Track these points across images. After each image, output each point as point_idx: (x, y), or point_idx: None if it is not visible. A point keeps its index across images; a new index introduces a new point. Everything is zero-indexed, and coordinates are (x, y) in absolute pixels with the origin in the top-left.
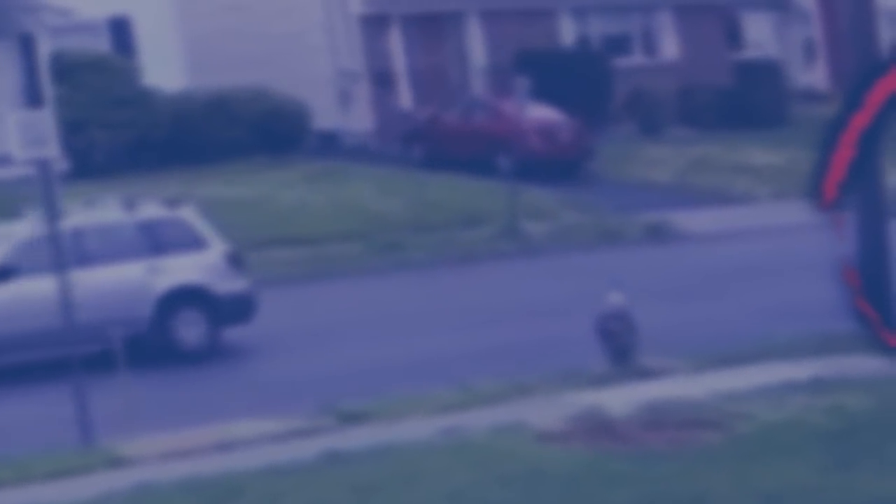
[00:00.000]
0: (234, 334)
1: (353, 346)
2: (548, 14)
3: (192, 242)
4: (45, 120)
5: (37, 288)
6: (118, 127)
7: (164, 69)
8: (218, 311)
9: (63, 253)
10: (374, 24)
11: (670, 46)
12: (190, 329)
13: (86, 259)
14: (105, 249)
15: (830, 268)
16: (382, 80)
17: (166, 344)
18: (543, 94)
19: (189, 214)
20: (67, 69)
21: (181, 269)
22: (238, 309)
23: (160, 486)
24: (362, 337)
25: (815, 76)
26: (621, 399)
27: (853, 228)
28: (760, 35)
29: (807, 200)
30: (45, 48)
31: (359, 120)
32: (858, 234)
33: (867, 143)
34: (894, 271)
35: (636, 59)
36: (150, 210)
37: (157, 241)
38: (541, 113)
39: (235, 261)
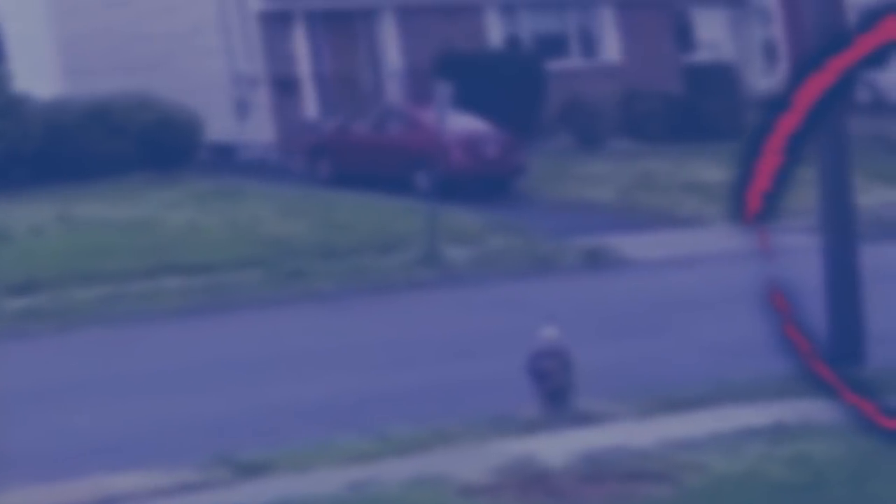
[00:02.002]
0: None
1: (252, 386)
2: (472, 10)
3: None
4: None
5: None
6: None
7: (36, 74)
8: None
9: None
10: (276, 23)
11: (612, 47)
12: None
13: None
14: None
15: (756, 291)
16: (285, 85)
17: None
18: (468, 101)
19: None
20: None
21: None
22: None
23: None
24: (262, 376)
25: (775, 81)
26: (556, 448)
27: (823, 251)
28: (714, 35)
29: (727, 213)
30: None
31: (258, 131)
32: (826, 259)
33: (796, 148)
34: (865, 300)
35: (573, 61)
36: None
37: None
38: (464, 123)
39: None
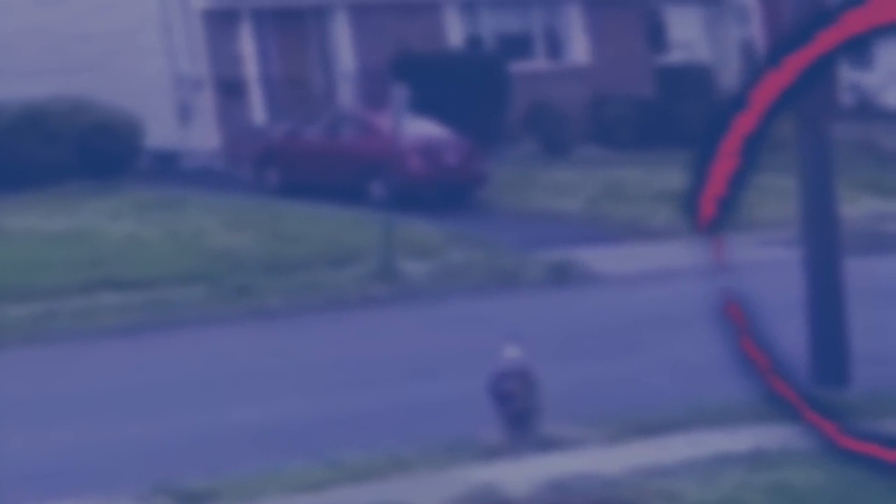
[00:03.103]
0: None
1: (196, 409)
2: (431, 8)
3: None
4: None
5: None
6: None
7: None
8: None
9: None
10: (220, 21)
11: (579, 48)
12: None
13: None
14: None
15: (710, 303)
16: (230, 88)
17: None
18: (425, 105)
19: None
20: None
21: None
22: None
23: None
24: (207, 398)
25: None
26: (520, 475)
27: (805, 265)
28: (688, 35)
29: (681, 218)
30: None
31: (202, 137)
32: (808, 273)
33: (752, 150)
34: (849, 317)
35: (538, 63)
36: None
37: None
38: (422, 129)
39: None
